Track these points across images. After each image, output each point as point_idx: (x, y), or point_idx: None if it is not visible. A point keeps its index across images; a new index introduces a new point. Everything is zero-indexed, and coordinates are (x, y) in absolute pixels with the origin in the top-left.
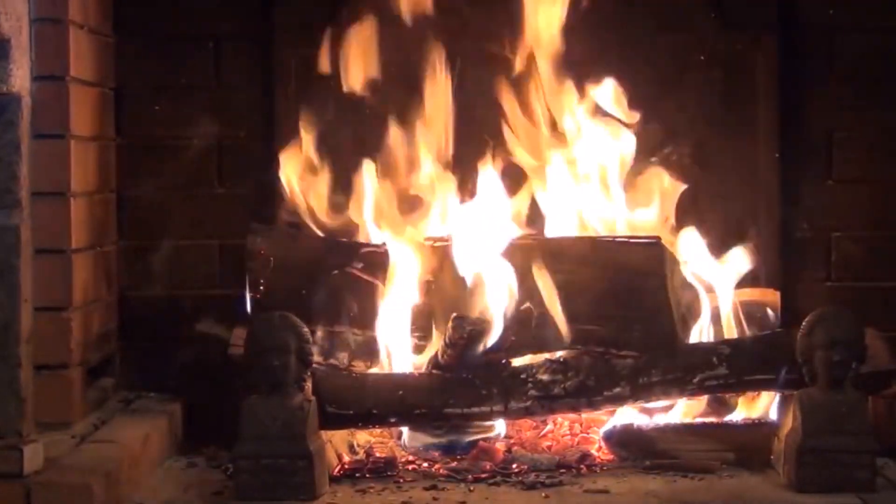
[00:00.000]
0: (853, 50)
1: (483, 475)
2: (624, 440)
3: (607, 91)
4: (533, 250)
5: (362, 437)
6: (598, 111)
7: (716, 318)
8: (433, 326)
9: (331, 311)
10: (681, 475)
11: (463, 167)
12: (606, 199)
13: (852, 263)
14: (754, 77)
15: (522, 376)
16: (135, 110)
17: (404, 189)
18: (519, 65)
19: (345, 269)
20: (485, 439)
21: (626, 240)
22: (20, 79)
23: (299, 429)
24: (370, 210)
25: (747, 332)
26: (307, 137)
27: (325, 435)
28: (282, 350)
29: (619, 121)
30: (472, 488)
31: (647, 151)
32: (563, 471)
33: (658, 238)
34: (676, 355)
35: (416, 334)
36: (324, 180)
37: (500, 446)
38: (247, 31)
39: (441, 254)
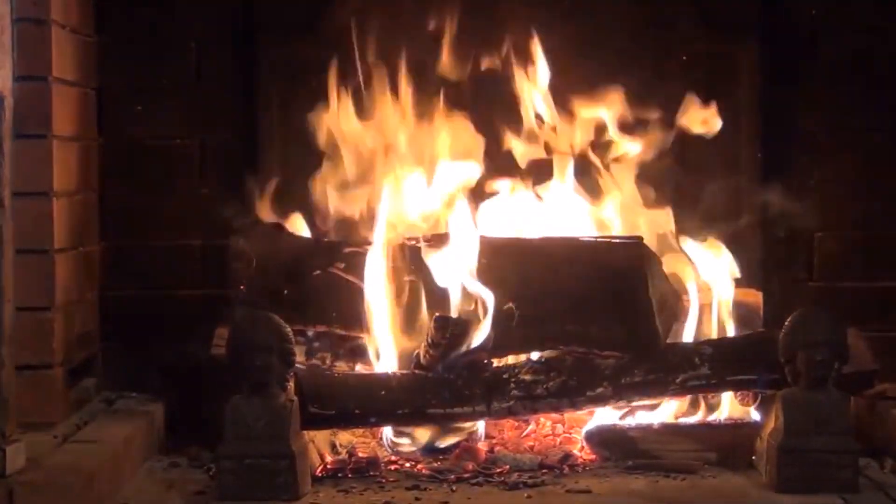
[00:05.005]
0: (836, 50)
1: (465, 475)
2: (606, 440)
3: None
4: (516, 250)
5: (345, 437)
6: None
7: (699, 318)
8: (416, 326)
9: (313, 311)
10: (663, 475)
11: (450, 167)
12: (590, 200)
13: (834, 263)
14: (737, 77)
15: (505, 376)
16: (117, 110)
17: (388, 188)
18: (506, 65)
19: (327, 269)
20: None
21: (608, 240)
22: (2, 79)
23: (282, 429)
24: (353, 210)
25: (730, 333)
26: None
27: (308, 435)
28: (264, 350)
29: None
30: (454, 488)
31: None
32: (545, 471)
33: (640, 238)
34: (659, 356)
35: (399, 334)
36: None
37: (483, 446)
38: (228, 31)
39: (423, 254)
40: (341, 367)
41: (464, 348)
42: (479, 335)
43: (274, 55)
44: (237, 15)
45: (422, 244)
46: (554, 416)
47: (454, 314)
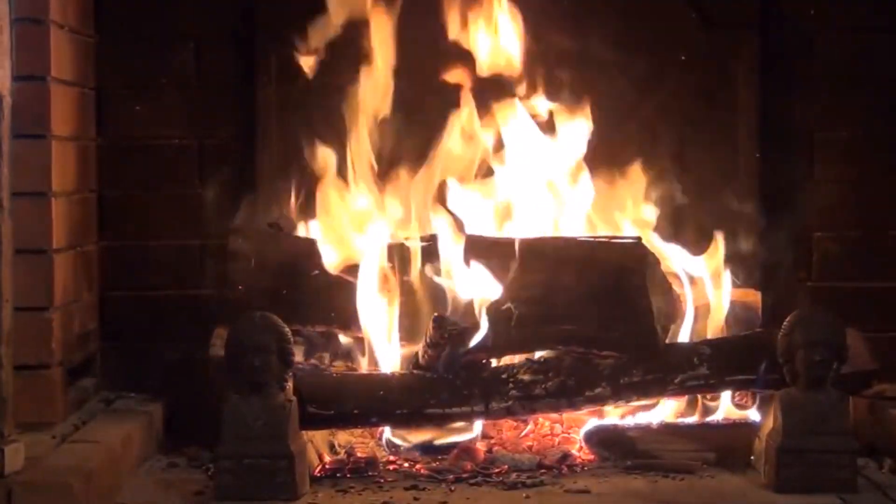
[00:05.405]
0: (834, 49)
1: (464, 475)
2: (605, 440)
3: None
4: (514, 250)
5: (343, 437)
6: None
7: (697, 318)
8: (414, 327)
9: (312, 311)
10: (662, 475)
11: (446, 166)
12: (587, 200)
13: (833, 263)
14: (735, 76)
15: (503, 376)
16: (115, 110)
17: (385, 188)
18: (501, 66)
19: (325, 269)
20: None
21: (606, 240)
22: (1, 79)
23: (281, 429)
24: (349, 210)
25: (729, 333)
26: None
27: (307, 435)
28: (263, 350)
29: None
30: (452, 488)
31: (628, 151)
32: (543, 471)
33: (638, 238)
34: (657, 355)
35: (397, 334)
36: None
37: (481, 446)
38: (227, 30)
39: (422, 254)
40: (340, 367)
41: (462, 348)
42: (478, 335)
43: (274, 54)
44: (237, 15)
45: (420, 244)
46: (552, 416)
47: (452, 314)
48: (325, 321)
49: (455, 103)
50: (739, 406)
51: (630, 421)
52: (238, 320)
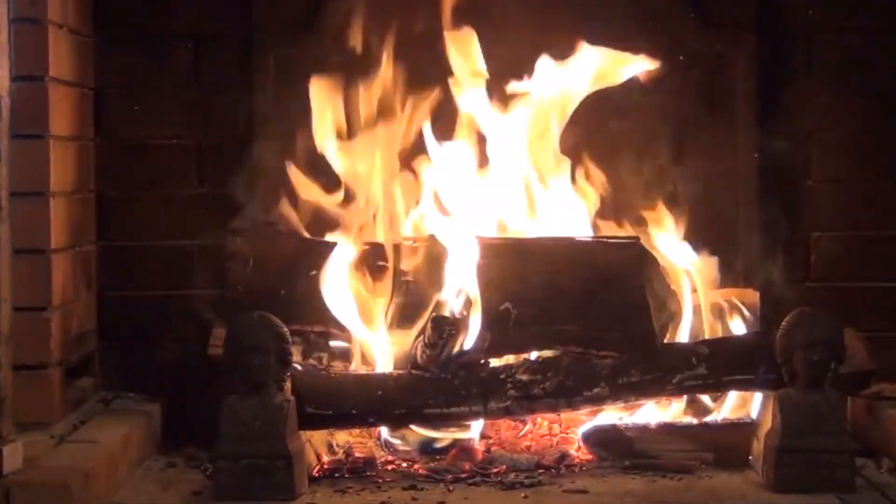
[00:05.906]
0: (832, 50)
1: (462, 475)
2: (603, 440)
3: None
4: (513, 250)
5: (342, 437)
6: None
7: (696, 319)
8: (413, 326)
9: (310, 311)
10: (660, 475)
11: (444, 168)
12: (585, 199)
13: (832, 263)
14: (733, 77)
15: (502, 376)
16: (114, 110)
17: (383, 188)
18: (499, 67)
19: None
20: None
21: (605, 240)
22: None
23: (279, 429)
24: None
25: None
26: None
27: (305, 435)
28: (261, 350)
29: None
30: (451, 488)
31: (627, 151)
32: (542, 471)
33: (637, 238)
34: (656, 355)
35: (396, 334)
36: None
37: (480, 446)
38: (226, 30)
39: (420, 254)
40: (338, 367)
41: (460, 348)
42: (476, 335)
43: (273, 54)
44: (235, 14)
45: (419, 244)
46: (551, 416)
47: (451, 314)
48: (323, 321)
49: (452, 103)
50: None
51: (628, 421)
52: (236, 320)
